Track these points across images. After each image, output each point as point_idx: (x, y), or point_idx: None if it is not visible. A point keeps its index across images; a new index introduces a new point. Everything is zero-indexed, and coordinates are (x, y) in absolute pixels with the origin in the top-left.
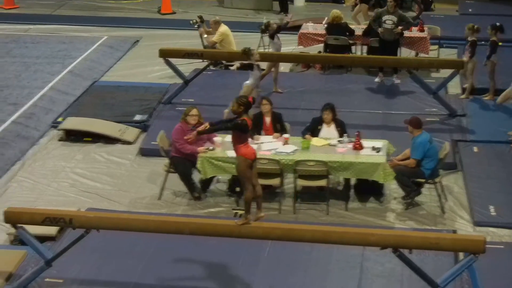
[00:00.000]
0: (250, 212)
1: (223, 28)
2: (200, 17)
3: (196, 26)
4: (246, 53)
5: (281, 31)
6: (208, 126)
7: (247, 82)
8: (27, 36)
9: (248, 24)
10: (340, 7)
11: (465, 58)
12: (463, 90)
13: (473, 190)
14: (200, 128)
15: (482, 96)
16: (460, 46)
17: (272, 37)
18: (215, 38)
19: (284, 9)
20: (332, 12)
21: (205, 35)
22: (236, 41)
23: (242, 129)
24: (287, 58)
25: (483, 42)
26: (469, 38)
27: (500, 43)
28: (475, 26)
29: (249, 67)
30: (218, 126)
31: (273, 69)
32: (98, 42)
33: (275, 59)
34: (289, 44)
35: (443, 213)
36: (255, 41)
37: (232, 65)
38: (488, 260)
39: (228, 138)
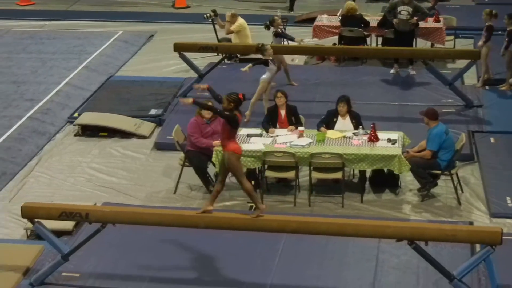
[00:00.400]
0: (261, 202)
1: (241, 20)
2: (214, 11)
3: (210, 20)
4: (260, 49)
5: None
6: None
7: (264, 76)
8: (43, 32)
9: (262, 18)
10: None
11: (480, 42)
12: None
13: (489, 181)
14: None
15: (499, 86)
16: (477, 36)
17: (276, 35)
18: (233, 27)
19: (291, 6)
20: (346, 3)
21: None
22: (251, 35)
23: (233, 123)
24: (302, 50)
25: (499, 32)
26: (486, 23)
27: None
28: (493, 11)
29: (264, 63)
30: (215, 108)
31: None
32: (113, 37)
33: (290, 51)
34: (303, 37)
35: (459, 205)
36: (269, 35)
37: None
38: (505, 252)
39: (243, 131)
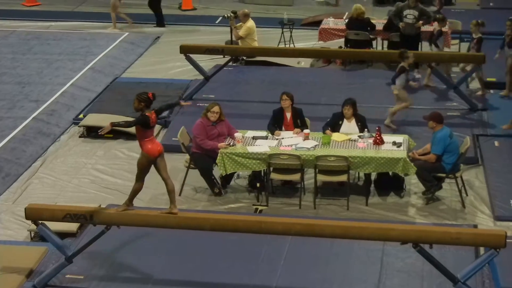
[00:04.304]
0: (132, 203)
1: (250, 23)
2: (234, 12)
3: (229, 20)
4: (402, 55)
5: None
6: (110, 127)
7: (397, 85)
8: (48, 33)
9: (269, 20)
10: (361, 1)
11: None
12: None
13: (494, 184)
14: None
15: (500, 92)
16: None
17: (435, 43)
18: (241, 32)
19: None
20: (355, 6)
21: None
22: (257, 37)
23: (144, 124)
24: (308, 53)
25: None
26: (475, 35)
27: None
28: (480, 21)
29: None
30: (121, 124)
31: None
32: (119, 39)
33: (296, 54)
34: (309, 40)
35: (463, 208)
36: (276, 37)
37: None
38: (509, 255)
39: (249, 133)
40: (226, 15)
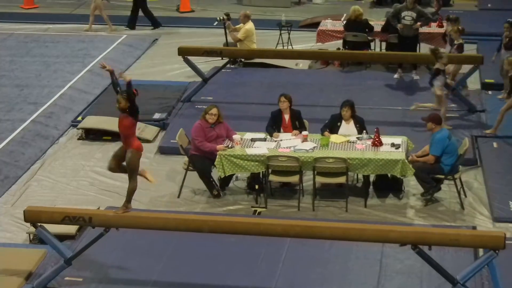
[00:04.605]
0: (131, 204)
1: (250, 25)
2: (227, 14)
3: (222, 23)
4: (435, 54)
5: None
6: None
7: (438, 83)
8: (46, 36)
9: (266, 22)
10: (359, 3)
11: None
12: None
13: (492, 186)
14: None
15: (498, 96)
16: (480, 42)
17: (451, 44)
18: (239, 35)
19: (155, 24)
20: (353, 8)
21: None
22: (255, 39)
23: (136, 114)
24: (306, 55)
25: None
26: (456, 41)
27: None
28: (460, 27)
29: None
30: (131, 92)
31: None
32: (117, 41)
33: (295, 56)
34: (307, 41)
35: (462, 209)
36: (274, 39)
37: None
38: (508, 256)
39: (248, 135)
40: (219, 18)
